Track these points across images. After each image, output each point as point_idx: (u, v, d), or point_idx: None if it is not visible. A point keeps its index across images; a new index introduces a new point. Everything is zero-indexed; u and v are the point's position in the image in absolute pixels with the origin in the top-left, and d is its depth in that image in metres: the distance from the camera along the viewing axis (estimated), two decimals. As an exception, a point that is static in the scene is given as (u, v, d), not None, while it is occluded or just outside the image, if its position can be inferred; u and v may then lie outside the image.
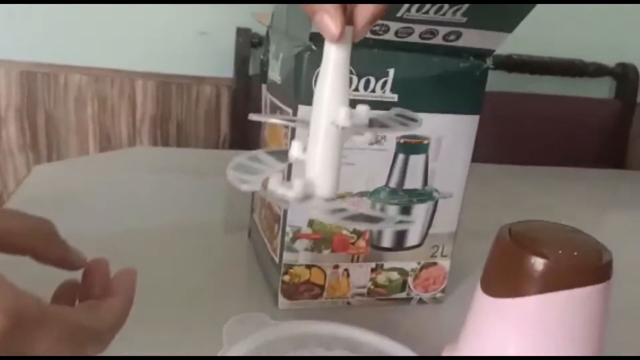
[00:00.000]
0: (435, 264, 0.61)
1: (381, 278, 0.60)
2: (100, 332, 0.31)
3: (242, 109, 1.20)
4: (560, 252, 0.42)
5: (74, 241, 0.36)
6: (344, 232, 0.57)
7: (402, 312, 0.61)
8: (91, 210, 0.78)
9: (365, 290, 0.60)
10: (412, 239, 0.60)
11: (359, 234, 0.58)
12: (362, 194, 0.56)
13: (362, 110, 0.36)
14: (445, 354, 0.49)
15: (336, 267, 0.59)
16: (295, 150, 0.36)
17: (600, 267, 0.42)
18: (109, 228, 0.74)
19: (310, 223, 0.56)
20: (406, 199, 0.58)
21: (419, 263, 0.61)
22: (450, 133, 0.57)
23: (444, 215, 0.59)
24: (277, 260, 0.59)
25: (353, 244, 0.58)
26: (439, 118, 0.56)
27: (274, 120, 0.48)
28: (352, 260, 0.59)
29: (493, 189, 0.98)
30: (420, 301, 0.62)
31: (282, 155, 0.37)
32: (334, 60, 0.34)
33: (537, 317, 0.42)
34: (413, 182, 0.57)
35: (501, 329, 0.44)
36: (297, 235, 0.56)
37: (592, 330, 0.43)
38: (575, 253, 0.43)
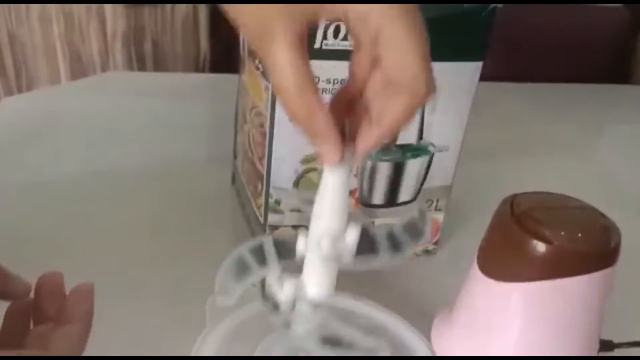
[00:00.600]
0: (428, 217, 0.58)
1: (372, 234, 0.57)
2: None
3: (222, 24, 1.11)
4: (564, 234, 0.39)
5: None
6: (333, 191, 0.53)
7: (392, 268, 0.58)
8: (65, 146, 0.74)
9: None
10: (404, 195, 0.56)
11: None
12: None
13: (351, 235, 0.35)
14: (436, 323, 0.47)
15: (324, 225, 0.55)
16: (301, 245, 0.36)
17: (607, 252, 0.39)
18: (84, 166, 0.70)
19: (296, 183, 0.52)
20: (399, 154, 0.53)
21: (411, 218, 0.57)
22: (449, 82, 0.51)
23: (440, 169, 0.55)
24: (261, 220, 0.56)
25: (342, 202, 0.54)
26: (438, 66, 0.50)
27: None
28: (341, 218, 0.55)
29: (492, 108, 0.92)
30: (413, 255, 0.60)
31: (287, 248, 0.37)
32: (332, 183, 0.34)
33: (536, 301, 0.40)
34: (407, 136, 0.53)
35: (496, 310, 0.42)
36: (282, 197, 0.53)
37: (594, 313, 0.41)
38: (580, 235, 0.39)
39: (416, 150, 0.54)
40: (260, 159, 0.54)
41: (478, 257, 0.43)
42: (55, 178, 0.66)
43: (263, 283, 0.36)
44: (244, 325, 0.44)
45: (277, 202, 0.53)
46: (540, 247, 0.38)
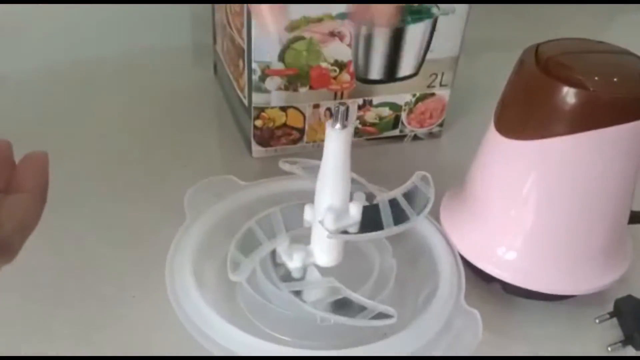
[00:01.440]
0: (432, 94, 0.52)
1: (370, 115, 0.51)
2: (1, 238, 0.23)
3: None
4: (599, 79, 0.33)
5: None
6: (324, 64, 0.47)
7: (395, 152, 0.53)
8: (32, 36, 0.66)
9: (352, 131, 0.51)
10: (405, 68, 0.50)
11: (341, 66, 0.47)
12: (342, 16, 0.45)
13: (354, 209, 0.34)
14: (446, 199, 0.42)
15: (316, 106, 0.49)
16: (308, 215, 0.36)
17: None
18: (56, 57, 0.63)
19: (281, 56, 0.46)
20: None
21: (413, 95, 0.51)
22: None
23: (445, 36, 0.49)
24: (245, 102, 0.49)
25: (335, 78, 0.48)
26: None
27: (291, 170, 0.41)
28: (334, 98, 0.49)
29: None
30: (416, 138, 0.54)
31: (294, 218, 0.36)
32: (333, 155, 0.33)
33: (567, 159, 0.34)
34: (407, -5, 0.46)
35: (517, 176, 0.36)
36: (266, 72, 0.46)
37: (631, 172, 0.35)
38: (617, 80, 0.34)
39: (418, 12, 0.47)
40: (240, 31, 0.47)
41: (496, 119, 0.37)
42: (24, 70, 0.61)
43: (273, 253, 0.36)
44: (227, 219, 0.39)
45: (262, 79, 0.46)
46: (574, 94, 0.32)
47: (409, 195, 0.36)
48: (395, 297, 0.36)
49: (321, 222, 0.34)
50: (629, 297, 0.38)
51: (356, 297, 0.33)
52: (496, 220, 0.38)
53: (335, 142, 0.32)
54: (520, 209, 0.36)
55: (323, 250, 0.35)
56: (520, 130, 0.35)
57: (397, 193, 0.36)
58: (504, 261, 0.37)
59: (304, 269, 0.35)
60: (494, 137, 0.37)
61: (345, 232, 0.34)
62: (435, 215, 0.40)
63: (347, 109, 0.32)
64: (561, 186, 0.35)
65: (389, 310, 0.32)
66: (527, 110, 0.35)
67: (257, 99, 0.47)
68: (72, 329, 0.36)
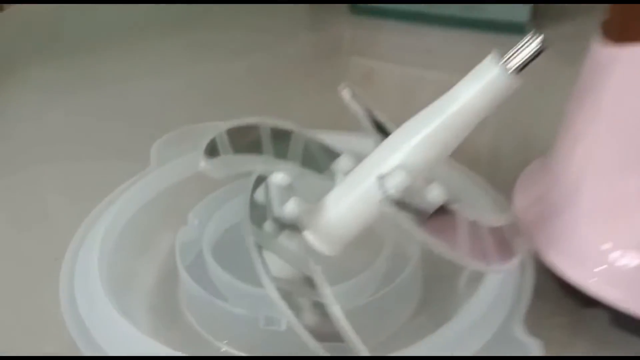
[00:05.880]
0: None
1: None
2: None
3: None
4: None
5: None
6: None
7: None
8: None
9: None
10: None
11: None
12: None
13: (436, 191, 0.21)
14: (527, 175, 0.29)
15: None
16: (345, 164, 0.23)
17: None
18: None
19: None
20: None
21: None
22: None
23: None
24: None
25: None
26: None
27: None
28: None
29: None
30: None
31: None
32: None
33: None
34: None
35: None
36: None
37: None
38: None
39: None
40: None
41: (606, 24, 0.24)
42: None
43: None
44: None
45: None
46: None
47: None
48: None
49: (380, 179, 0.21)
50: None
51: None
52: (604, 198, 0.23)
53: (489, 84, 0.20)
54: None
55: (336, 226, 0.22)
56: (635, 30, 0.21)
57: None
58: (617, 270, 0.22)
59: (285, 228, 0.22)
60: (601, 53, 0.23)
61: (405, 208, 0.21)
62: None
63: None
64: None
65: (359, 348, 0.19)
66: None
67: None
68: None
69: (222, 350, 0.23)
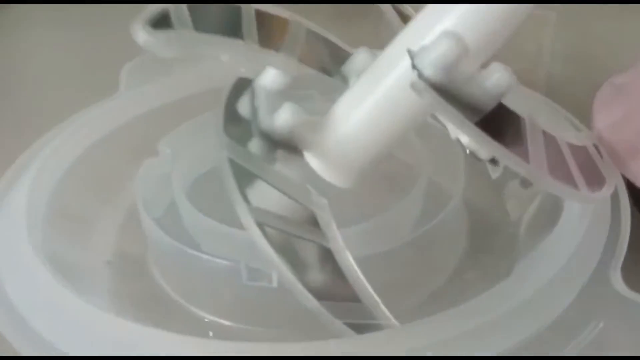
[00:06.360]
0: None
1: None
2: None
3: None
4: None
5: None
6: None
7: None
8: None
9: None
10: None
11: None
12: None
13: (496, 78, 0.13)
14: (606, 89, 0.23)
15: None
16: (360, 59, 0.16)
17: None
18: None
19: None
20: None
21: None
22: None
23: None
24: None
25: None
26: None
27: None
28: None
29: None
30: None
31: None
32: None
33: None
34: None
35: None
36: None
37: None
38: None
39: None
40: None
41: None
42: None
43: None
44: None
45: None
46: None
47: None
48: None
49: (413, 54, 0.13)
50: None
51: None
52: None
53: None
54: None
55: (346, 148, 0.15)
56: None
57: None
58: None
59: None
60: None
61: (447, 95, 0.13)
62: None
63: None
64: None
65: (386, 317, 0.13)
66: None
67: None
68: None
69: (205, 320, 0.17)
